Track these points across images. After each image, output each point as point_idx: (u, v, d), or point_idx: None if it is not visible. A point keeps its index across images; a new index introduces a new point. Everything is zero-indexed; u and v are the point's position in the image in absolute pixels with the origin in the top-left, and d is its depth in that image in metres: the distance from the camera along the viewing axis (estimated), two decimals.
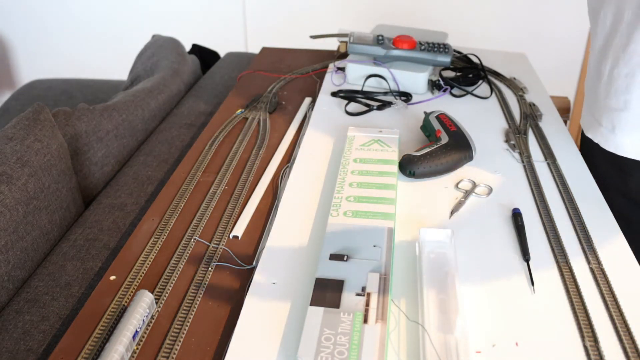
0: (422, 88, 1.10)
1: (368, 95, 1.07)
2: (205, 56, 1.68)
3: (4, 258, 0.72)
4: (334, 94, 1.07)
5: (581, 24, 2.10)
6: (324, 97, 1.08)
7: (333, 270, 0.60)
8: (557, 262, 0.67)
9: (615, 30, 0.82)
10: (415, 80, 1.09)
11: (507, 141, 0.92)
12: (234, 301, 0.62)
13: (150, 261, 0.68)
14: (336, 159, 0.87)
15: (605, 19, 0.85)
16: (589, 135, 0.89)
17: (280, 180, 0.84)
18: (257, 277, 0.64)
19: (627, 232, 0.72)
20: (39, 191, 0.79)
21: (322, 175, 0.83)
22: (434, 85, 1.11)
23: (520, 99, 1.08)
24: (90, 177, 0.99)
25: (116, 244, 0.80)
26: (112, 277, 0.65)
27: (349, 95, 1.06)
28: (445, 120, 0.87)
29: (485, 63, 1.21)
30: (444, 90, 1.10)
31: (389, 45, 1.10)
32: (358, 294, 0.57)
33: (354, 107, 1.04)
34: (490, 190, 0.79)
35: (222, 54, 1.69)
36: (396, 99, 1.06)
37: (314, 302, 0.56)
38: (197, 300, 0.62)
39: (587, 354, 0.55)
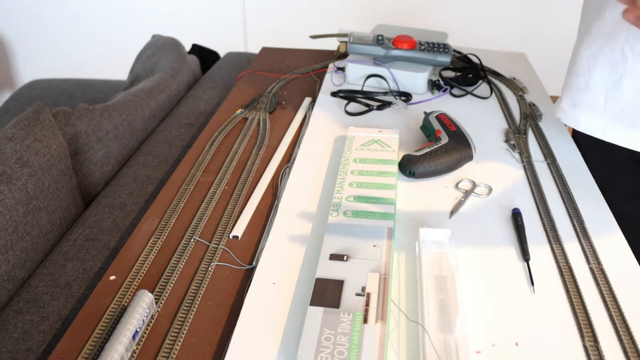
0: (422, 88, 1.10)
1: (368, 95, 1.07)
2: (205, 56, 1.68)
3: (3, 258, 0.72)
4: (334, 94, 1.07)
5: None
6: (323, 97, 1.08)
7: (333, 270, 0.60)
8: (557, 262, 0.67)
9: (586, 13, 0.86)
10: (415, 80, 1.09)
11: (507, 141, 0.92)
12: (234, 301, 0.62)
13: (150, 261, 0.68)
14: (336, 159, 0.87)
15: (588, 3, 0.89)
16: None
17: (280, 180, 0.84)
18: (257, 277, 0.64)
19: (624, 224, 0.73)
20: (38, 191, 0.79)
21: (322, 175, 0.83)
22: (433, 85, 1.11)
23: (520, 99, 1.08)
24: (90, 177, 0.99)
25: (116, 244, 0.80)
26: (112, 277, 0.65)
27: (349, 95, 1.06)
28: (445, 120, 0.87)
29: (485, 63, 1.21)
30: (444, 90, 1.10)
31: (389, 45, 1.10)
32: (358, 294, 0.57)
33: (354, 107, 1.04)
34: (490, 190, 0.79)
35: (222, 54, 1.69)
36: (396, 99, 1.06)
37: (314, 302, 0.56)
38: (197, 300, 0.62)
39: (587, 354, 0.55)
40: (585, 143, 0.90)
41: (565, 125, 0.97)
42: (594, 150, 0.88)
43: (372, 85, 1.11)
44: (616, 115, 0.82)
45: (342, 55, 1.28)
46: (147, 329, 0.58)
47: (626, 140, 0.83)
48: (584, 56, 0.84)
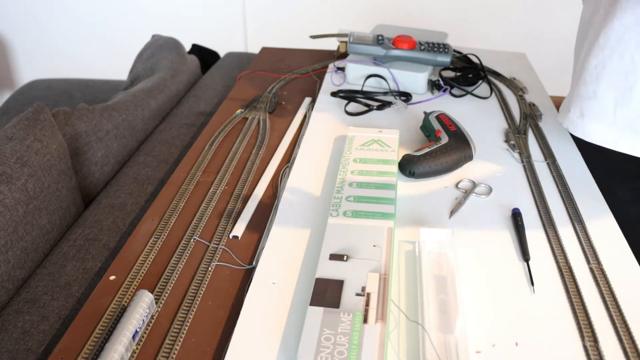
0: (422, 88, 1.10)
1: (368, 95, 1.07)
2: (205, 56, 1.68)
3: (3, 258, 0.72)
4: (333, 94, 1.07)
5: None
6: (323, 97, 1.08)
7: (333, 270, 0.60)
8: (557, 262, 0.67)
9: (591, 22, 0.85)
10: (415, 80, 1.09)
11: (507, 141, 0.93)
12: (234, 301, 0.62)
13: (150, 261, 0.68)
14: (336, 159, 0.87)
15: (586, 10, 0.89)
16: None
17: (280, 180, 0.84)
18: (257, 277, 0.64)
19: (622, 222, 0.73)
20: (38, 191, 0.79)
21: (322, 175, 0.83)
22: (433, 85, 1.11)
23: (520, 99, 1.08)
24: (90, 177, 0.99)
25: (116, 244, 0.80)
26: (112, 277, 0.65)
27: (349, 95, 1.06)
28: (445, 120, 0.87)
29: (485, 63, 1.21)
30: (444, 90, 1.10)
31: (389, 45, 1.10)
32: (358, 294, 0.57)
33: (353, 107, 1.04)
34: (490, 190, 0.79)
35: (222, 54, 1.69)
36: (396, 99, 1.06)
37: (314, 302, 0.56)
38: (197, 300, 0.62)
39: (587, 354, 0.55)
40: (583, 148, 0.90)
41: None
42: (593, 156, 0.88)
43: (372, 85, 1.11)
44: (626, 125, 0.82)
45: (342, 55, 1.28)
46: (147, 329, 0.58)
47: (637, 149, 0.83)
48: (591, 64, 0.83)
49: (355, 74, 1.12)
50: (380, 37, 1.11)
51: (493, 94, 1.10)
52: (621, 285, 0.63)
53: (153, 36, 1.54)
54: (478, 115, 1.01)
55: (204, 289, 0.63)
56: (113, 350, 0.52)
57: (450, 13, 2.15)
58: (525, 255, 0.67)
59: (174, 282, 0.64)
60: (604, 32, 0.81)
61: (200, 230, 0.73)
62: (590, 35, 0.85)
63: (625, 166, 0.87)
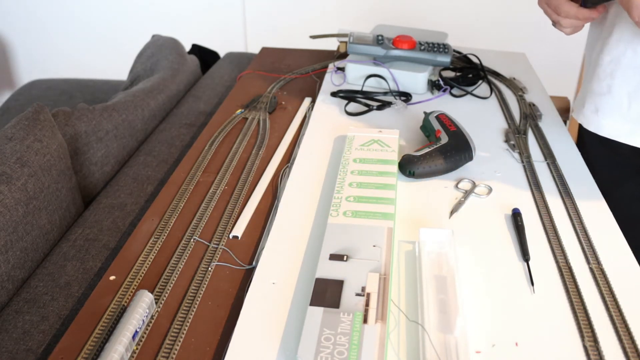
0: (422, 88, 1.10)
1: (368, 95, 1.07)
2: (205, 56, 1.68)
3: (3, 258, 0.72)
4: (333, 94, 1.07)
5: None
6: (323, 97, 1.08)
7: (333, 270, 0.60)
8: (557, 262, 0.67)
9: (605, 18, 0.85)
10: (414, 80, 1.09)
11: (507, 141, 0.92)
12: (234, 301, 0.62)
13: (150, 261, 0.68)
14: (336, 159, 0.87)
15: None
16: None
17: (280, 180, 0.84)
18: (257, 277, 0.64)
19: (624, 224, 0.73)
20: (38, 191, 0.79)
21: (322, 175, 0.83)
22: (433, 85, 1.11)
23: (520, 99, 1.08)
24: (90, 177, 0.99)
25: (116, 244, 0.80)
26: (112, 277, 0.65)
27: (349, 95, 1.06)
28: (445, 120, 0.87)
29: (485, 63, 1.21)
30: (444, 90, 1.10)
31: (389, 45, 1.10)
32: (358, 294, 0.57)
33: (353, 107, 1.04)
34: (490, 190, 0.79)
35: (222, 54, 1.69)
36: (396, 99, 1.06)
37: (314, 302, 0.56)
38: (197, 300, 0.62)
39: (587, 354, 0.55)
40: (590, 145, 0.90)
41: (566, 125, 0.97)
42: (600, 152, 0.88)
43: (372, 85, 1.11)
44: (639, 119, 0.82)
45: (342, 55, 1.28)
46: (147, 329, 0.58)
47: None
48: (605, 60, 0.83)
49: (355, 74, 1.12)
50: (380, 37, 1.11)
51: (493, 94, 1.10)
52: (621, 285, 0.63)
53: (153, 36, 1.54)
54: (478, 115, 1.01)
55: (203, 289, 0.63)
56: (113, 351, 0.52)
57: (450, 13, 2.15)
58: (525, 255, 0.67)
59: (174, 282, 0.64)
60: (618, 28, 0.81)
61: (200, 230, 0.73)
62: (604, 32, 0.85)
63: (633, 161, 0.88)
